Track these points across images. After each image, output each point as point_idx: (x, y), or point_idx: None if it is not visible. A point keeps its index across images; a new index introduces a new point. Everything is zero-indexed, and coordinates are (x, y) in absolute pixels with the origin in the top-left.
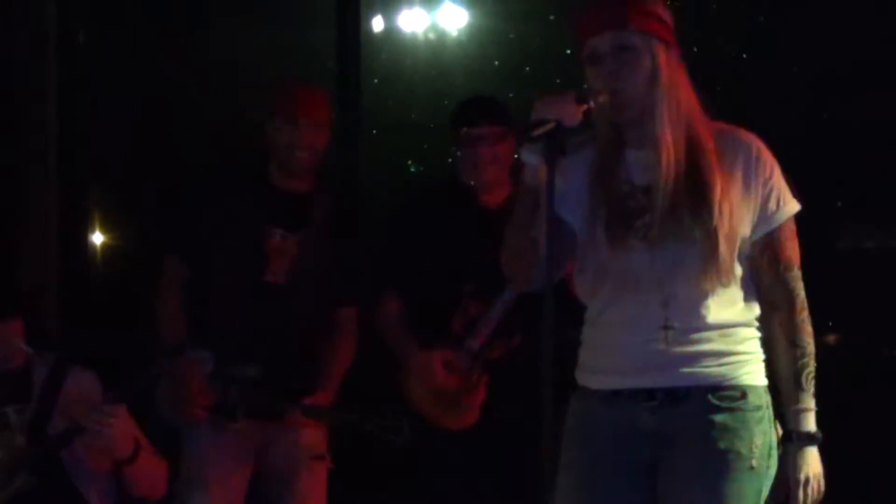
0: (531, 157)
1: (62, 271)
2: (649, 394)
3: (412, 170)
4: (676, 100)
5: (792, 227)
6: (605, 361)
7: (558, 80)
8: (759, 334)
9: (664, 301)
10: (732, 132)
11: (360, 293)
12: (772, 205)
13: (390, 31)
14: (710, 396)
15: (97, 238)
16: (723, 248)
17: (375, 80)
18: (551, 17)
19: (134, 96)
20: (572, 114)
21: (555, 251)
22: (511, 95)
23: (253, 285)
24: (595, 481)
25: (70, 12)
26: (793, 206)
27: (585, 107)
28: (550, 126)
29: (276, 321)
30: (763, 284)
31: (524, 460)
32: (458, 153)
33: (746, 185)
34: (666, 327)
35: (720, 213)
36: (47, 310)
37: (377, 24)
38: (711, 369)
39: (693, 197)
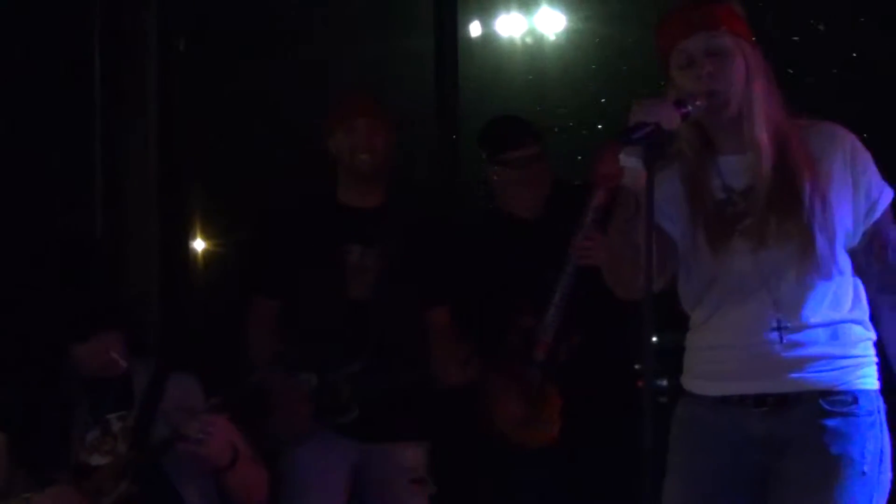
0: (631, 161)
1: (163, 278)
2: (759, 399)
3: None
4: (768, 100)
5: (889, 213)
6: (712, 367)
7: (662, 83)
8: (872, 336)
9: (774, 302)
10: (821, 126)
11: (449, 294)
12: (873, 194)
13: (488, 36)
14: (821, 401)
15: (198, 245)
16: (819, 241)
17: (473, 86)
18: (650, 19)
19: (234, 104)
20: (671, 117)
21: (656, 257)
22: (603, 100)
23: (338, 304)
24: (705, 489)
25: (169, 21)
26: (889, 193)
27: (684, 110)
28: (650, 129)
29: (366, 335)
30: (872, 272)
31: (606, 462)
32: (495, 177)
33: (843, 179)
34: (779, 328)
35: (811, 207)
36: (149, 316)
37: (475, 29)
38: (823, 374)
39: (786, 195)
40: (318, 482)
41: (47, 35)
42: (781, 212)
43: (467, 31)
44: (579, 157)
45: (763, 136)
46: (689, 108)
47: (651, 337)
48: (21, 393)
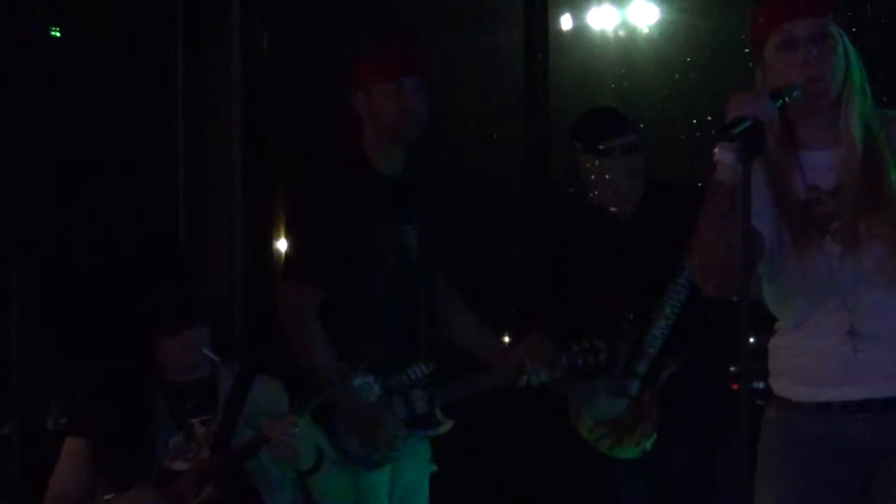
0: (727, 157)
1: (247, 278)
2: (863, 405)
3: None
4: (862, 94)
5: None
6: (808, 373)
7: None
8: None
9: (864, 306)
10: None
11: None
12: None
13: (580, 29)
14: None
15: (283, 245)
16: None
17: (564, 81)
18: (747, 8)
19: (317, 100)
20: (768, 111)
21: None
22: (699, 95)
23: (402, 297)
24: (801, 495)
25: (254, 16)
26: None
27: (781, 102)
28: (748, 124)
29: (421, 315)
30: None
31: (703, 481)
32: (589, 169)
33: None
34: (865, 335)
35: None
36: (233, 318)
37: (566, 22)
38: None
39: (875, 194)
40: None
41: (131, 36)
42: (871, 212)
43: (558, 24)
44: (673, 155)
45: (853, 131)
46: (787, 99)
47: (748, 338)
48: (104, 397)
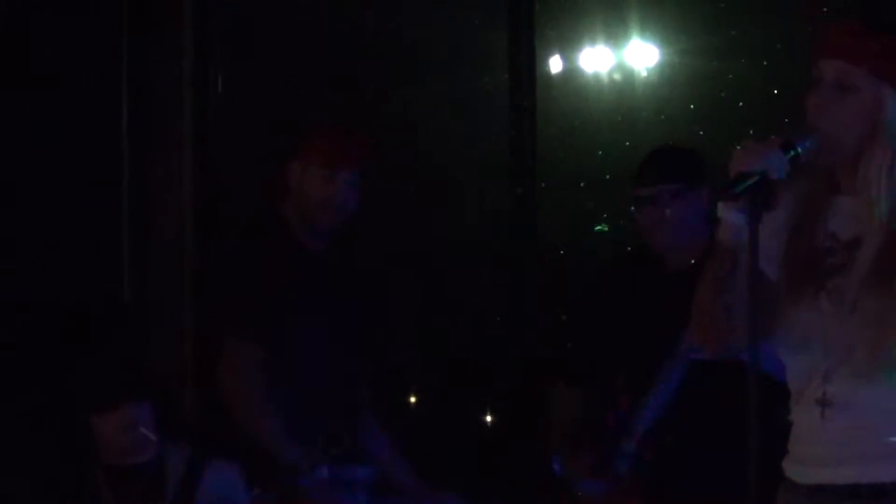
0: (732, 215)
1: (199, 345)
2: (852, 490)
3: (598, 229)
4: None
5: None
6: (805, 449)
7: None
8: None
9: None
10: None
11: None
12: None
13: (570, 72)
14: None
15: None
16: None
17: (553, 130)
18: (754, 52)
19: (276, 146)
20: (779, 164)
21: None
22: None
23: (326, 361)
24: None
25: (207, 59)
26: None
27: (793, 155)
28: (754, 180)
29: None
30: None
31: None
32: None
33: None
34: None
35: None
36: (182, 392)
37: (555, 64)
38: None
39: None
40: None
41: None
42: (884, 276)
43: (546, 67)
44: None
45: (879, 184)
46: (799, 150)
47: (757, 411)
48: (33, 482)
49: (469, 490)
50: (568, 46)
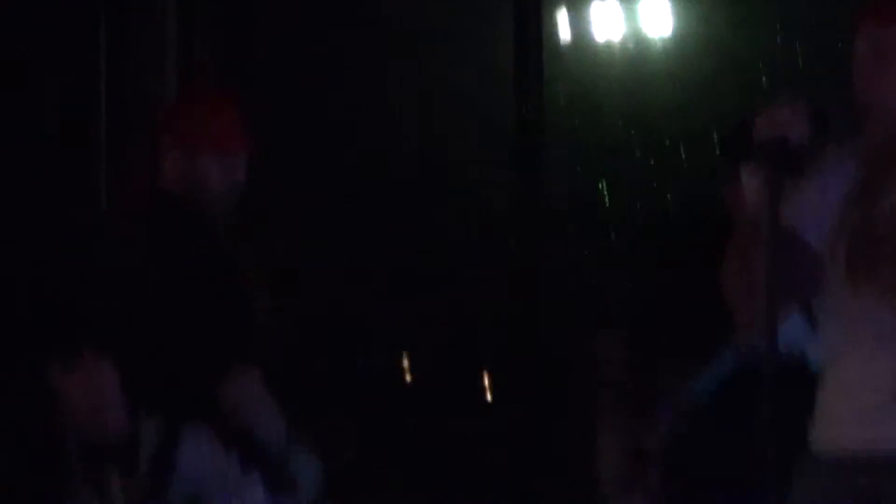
0: (753, 182)
1: None
2: (882, 463)
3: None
4: None
5: None
6: (832, 425)
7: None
8: None
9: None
10: None
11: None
12: None
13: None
14: None
15: None
16: None
17: (561, 98)
18: (770, 20)
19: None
20: (803, 129)
21: (781, 291)
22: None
23: None
24: None
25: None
26: None
27: (821, 125)
28: (776, 145)
29: None
30: None
31: None
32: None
33: None
34: None
35: None
36: None
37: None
38: None
39: None
40: None
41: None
42: None
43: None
44: (685, 182)
45: None
46: (828, 121)
47: (771, 398)
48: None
49: (470, 489)
50: (576, 12)
